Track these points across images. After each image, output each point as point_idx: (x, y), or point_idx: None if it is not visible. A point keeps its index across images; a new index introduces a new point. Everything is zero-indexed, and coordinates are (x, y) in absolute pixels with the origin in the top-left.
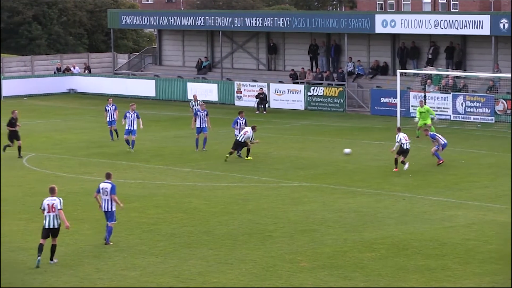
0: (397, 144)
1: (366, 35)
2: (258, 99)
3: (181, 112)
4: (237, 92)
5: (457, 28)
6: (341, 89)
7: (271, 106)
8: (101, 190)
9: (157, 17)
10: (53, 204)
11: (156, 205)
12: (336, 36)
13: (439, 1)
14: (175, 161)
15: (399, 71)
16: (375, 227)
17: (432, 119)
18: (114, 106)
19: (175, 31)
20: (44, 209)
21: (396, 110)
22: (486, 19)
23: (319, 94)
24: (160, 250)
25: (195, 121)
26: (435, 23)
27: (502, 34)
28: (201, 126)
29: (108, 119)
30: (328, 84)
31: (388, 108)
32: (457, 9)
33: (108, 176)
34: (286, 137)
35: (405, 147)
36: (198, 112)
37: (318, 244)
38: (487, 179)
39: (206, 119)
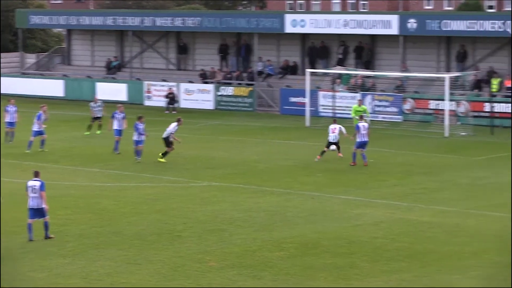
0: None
1: (276, 34)
2: (167, 99)
3: (89, 112)
4: (146, 92)
5: (366, 28)
6: (251, 88)
7: (181, 106)
8: (29, 188)
9: (66, 16)
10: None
11: (65, 206)
12: (246, 36)
13: (348, 1)
14: (84, 161)
15: (308, 70)
16: (284, 226)
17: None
18: (15, 108)
19: (84, 31)
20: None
21: (306, 110)
22: (394, 19)
23: (229, 93)
24: (69, 251)
25: (112, 124)
26: (344, 23)
27: (410, 33)
28: (120, 129)
29: (8, 120)
30: (238, 83)
31: (297, 108)
32: (366, 9)
33: (36, 174)
34: (196, 137)
35: (330, 140)
36: (116, 114)
37: (227, 243)
38: (396, 178)
39: (123, 121)
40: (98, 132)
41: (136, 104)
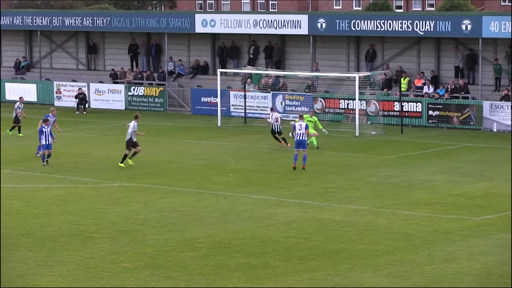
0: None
1: (186, 34)
2: (78, 99)
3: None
4: (56, 93)
5: (276, 28)
6: (161, 88)
7: (92, 106)
8: None
9: None
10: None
11: None
12: (156, 35)
13: (258, 1)
14: None
15: (219, 70)
16: (197, 226)
17: (322, 131)
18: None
19: None
20: None
21: (217, 109)
22: (304, 19)
23: (140, 93)
24: None
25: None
26: (254, 22)
27: (320, 33)
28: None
29: None
30: (149, 83)
31: (208, 108)
32: (275, 9)
33: None
34: (107, 137)
35: (277, 130)
36: (49, 117)
37: (140, 244)
38: (307, 177)
39: (54, 124)
40: (20, 134)
41: (46, 105)
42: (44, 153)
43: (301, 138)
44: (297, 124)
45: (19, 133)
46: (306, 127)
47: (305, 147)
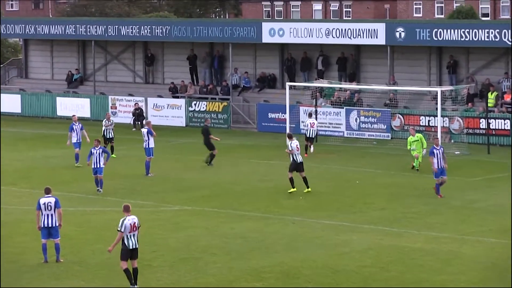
0: (290, 148)
1: (252, 44)
2: (134, 115)
3: (49, 130)
4: (111, 108)
5: (350, 38)
6: (225, 103)
7: None
8: (42, 206)
9: (23, 25)
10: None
11: (23, 233)
12: (219, 46)
13: (331, 8)
14: (44, 183)
15: (288, 83)
16: (263, 254)
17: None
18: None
19: (42, 41)
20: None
21: (285, 127)
22: (381, 27)
23: (202, 109)
24: (27, 283)
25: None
26: (327, 32)
27: (398, 44)
28: (80, 141)
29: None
30: (211, 98)
31: (276, 124)
32: (350, 17)
33: (48, 191)
34: (166, 156)
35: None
36: (74, 126)
37: (201, 273)
38: (384, 200)
39: (82, 132)
40: (114, 155)
41: (101, 121)
42: (96, 178)
43: (441, 165)
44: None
45: (112, 153)
46: (442, 152)
47: (446, 174)
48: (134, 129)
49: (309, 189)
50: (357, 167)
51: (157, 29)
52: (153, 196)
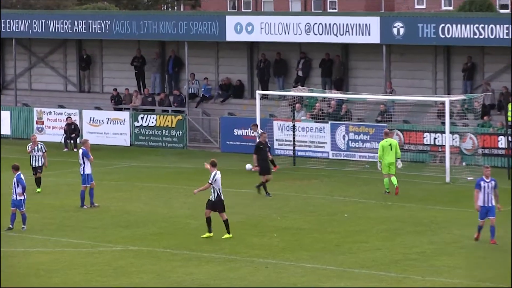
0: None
1: (213, 43)
2: (66, 133)
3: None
4: (37, 123)
5: (336, 35)
6: (180, 117)
7: None
8: None
9: None
10: None
11: None
12: (173, 45)
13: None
14: None
15: (258, 92)
16: None
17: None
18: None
19: None
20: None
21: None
22: (374, 22)
23: (151, 124)
24: None
25: None
26: (307, 27)
27: (396, 42)
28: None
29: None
30: (163, 110)
31: (244, 143)
32: (335, 9)
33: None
34: (105, 183)
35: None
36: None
37: None
38: (379, 238)
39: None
40: (39, 190)
41: (23, 140)
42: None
43: (489, 202)
44: (482, 183)
45: (38, 186)
46: (495, 186)
47: (494, 215)
48: (65, 149)
49: (230, 235)
50: (345, 196)
51: (94, 24)
52: (90, 233)
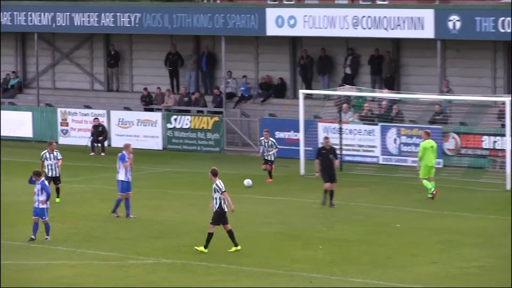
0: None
1: (253, 38)
2: (93, 135)
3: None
4: (61, 124)
5: (386, 29)
6: (216, 118)
7: (113, 145)
8: None
9: None
10: None
11: None
12: (209, 40)
13: None
14: None
15: (302, 91)
16: None
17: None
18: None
19: None
20: None
21: (299, 149)
22: (428, 15)
23: (185, 126)
24: None
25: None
26: (355, 21)
27: (452, 37)
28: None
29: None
30: (198, 111)
31: (287, 147)
32: (386, 1)
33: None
34: (135, 190)
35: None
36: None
37: None
38: (434, 251)
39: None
40: (58, 199)
41: (46, 143)
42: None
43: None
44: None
45: (58, 196)
46: None
47: None
48: (92, 153)
49: (238, 247)
50: (397, 205)
51: (122, 18)
52: (118, 245)
